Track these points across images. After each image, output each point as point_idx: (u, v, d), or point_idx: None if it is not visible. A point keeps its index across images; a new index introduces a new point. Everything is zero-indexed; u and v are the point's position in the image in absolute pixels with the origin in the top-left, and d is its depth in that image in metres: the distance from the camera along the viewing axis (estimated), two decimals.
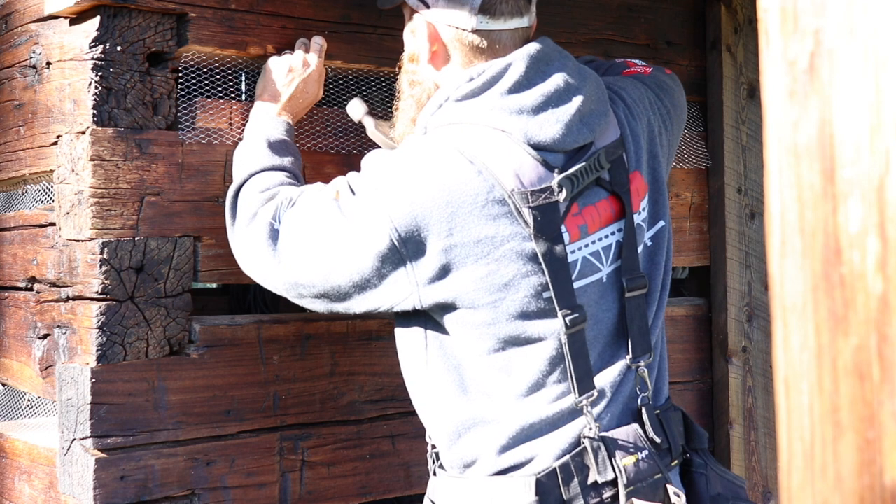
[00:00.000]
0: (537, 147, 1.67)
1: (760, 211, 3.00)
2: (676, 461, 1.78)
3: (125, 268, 2.02)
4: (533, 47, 1.74)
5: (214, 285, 3.42)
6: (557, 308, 1.66)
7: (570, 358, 1.67)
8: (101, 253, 1.99)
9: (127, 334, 2.02)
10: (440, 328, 1.75)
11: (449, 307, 1.71)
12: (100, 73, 2.01)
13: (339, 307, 1.79)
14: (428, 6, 1.80)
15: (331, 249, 1.72)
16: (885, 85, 0.70)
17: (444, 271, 1.67)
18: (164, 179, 2.07)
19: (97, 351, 1.99)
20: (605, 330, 1.74)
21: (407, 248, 1.66)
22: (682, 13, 3.00)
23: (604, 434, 1.68)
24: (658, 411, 1.76)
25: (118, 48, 2.03)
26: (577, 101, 1.71)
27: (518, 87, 1.70)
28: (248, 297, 3.33)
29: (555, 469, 1.64)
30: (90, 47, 2.02)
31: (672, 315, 2.90)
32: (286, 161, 1.98)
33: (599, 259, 1.73)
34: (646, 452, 1.69)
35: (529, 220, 1.63)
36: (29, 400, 2.54)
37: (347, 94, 2.42)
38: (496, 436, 1.71)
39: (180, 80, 2.14)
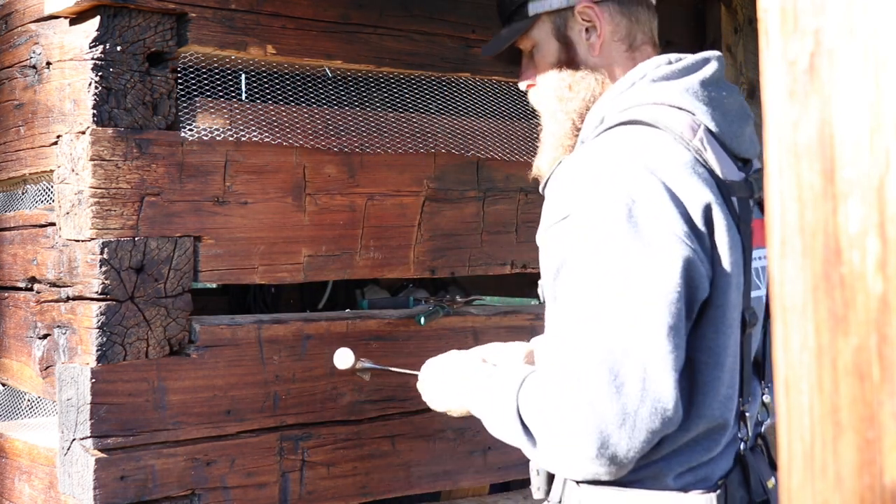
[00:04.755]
0: (722, 142, 1.64)
1: None
2: None
3: (125, 268, 2.02)
4: (718, 53, 1.76)
5: (214, 285, 3.42)
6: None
7: (741, 358, 1.60)
8: (101, 253, 1.99)
9: (127, 334, 2.02)
10: None
11: None
12: (100, 73, 2.01)
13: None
14: None
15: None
16: (885, 85, 0.70)
17: None
18: (164, 179, 2.07)
19: (97, 351, 1.99)
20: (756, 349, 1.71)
21: None
22: (682, 13, 3.00)
23: (749, 454, 1.64)
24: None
25: (118, 48, 2.03)
26: (750, 118, 1.71)
27: (713, 84, 1.68)
28: (248, 297, 3.33)
29: (723, 484, 1.57)
30: (90, 47, 2.01)
31: None
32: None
33: (759, 277, 1.68)
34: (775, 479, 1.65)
35: (736, 209, 1.59)
36: (29, 400, 2.54)
37: (347, 93, 2.42)
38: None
39: (180, 80, 2.14)
